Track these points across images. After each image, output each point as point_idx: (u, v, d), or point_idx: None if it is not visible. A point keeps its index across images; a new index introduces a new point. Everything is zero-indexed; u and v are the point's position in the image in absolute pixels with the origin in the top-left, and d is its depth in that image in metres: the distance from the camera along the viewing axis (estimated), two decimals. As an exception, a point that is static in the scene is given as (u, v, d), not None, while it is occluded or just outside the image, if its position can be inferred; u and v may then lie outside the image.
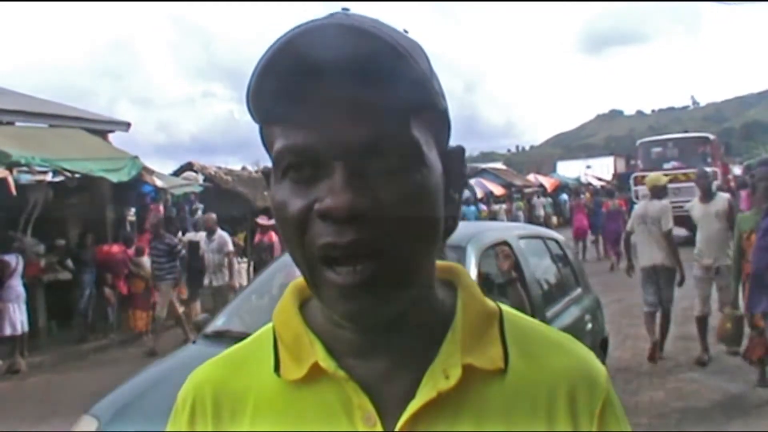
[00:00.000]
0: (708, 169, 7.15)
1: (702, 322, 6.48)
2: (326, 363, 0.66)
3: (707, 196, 6.62)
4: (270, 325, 0.73)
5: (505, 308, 0.73)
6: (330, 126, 0.59)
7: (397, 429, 0.63)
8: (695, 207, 6.70)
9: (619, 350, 7.04)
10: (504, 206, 23.44)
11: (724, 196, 6.79)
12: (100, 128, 11.63)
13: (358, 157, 0.59)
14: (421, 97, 0.62)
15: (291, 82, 0.59)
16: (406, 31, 0.65)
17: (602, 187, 24.90)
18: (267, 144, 0.66)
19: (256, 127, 0.67)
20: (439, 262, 0.71)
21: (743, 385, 5.16)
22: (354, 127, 0.59)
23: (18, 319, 8.18)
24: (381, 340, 0.66)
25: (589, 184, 30.63)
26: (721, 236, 6.37)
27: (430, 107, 0.64)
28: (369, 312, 0.60)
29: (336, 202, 0.57)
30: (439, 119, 0.66)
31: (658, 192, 6.76)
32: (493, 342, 0.68)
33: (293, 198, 0.61)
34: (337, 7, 0.65)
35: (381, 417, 0.64)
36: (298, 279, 0.72)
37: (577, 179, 32.92)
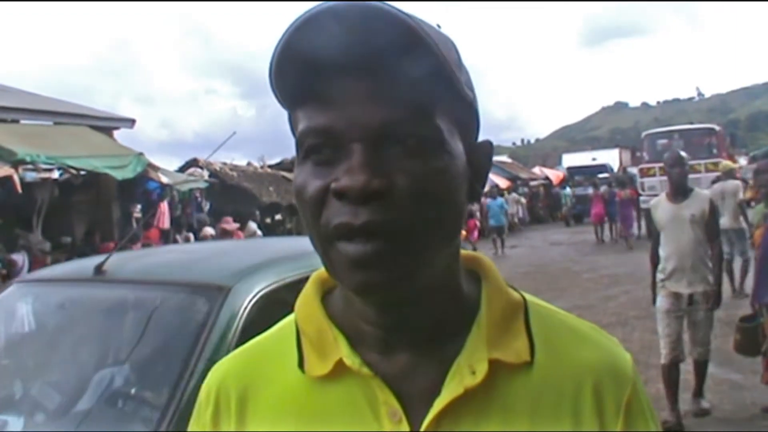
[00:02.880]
0: (684, 154, 4.89)
1: (670, 372, 4.67)
2: (351, 360, 0.65)
3: (680, 192, 4.66)
4: (292, 317, 0.72)
5: (530, 298, 0.72)
6: (350, 108, 0.59)
7: (423, 426, 0.62)
8: (660, 206, 4.73)
9: (627, 342, 7.03)
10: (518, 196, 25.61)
11: (703, 195, 4.80)
12: (105, 125, 11.64)
13: (377, 140, 0.59)
14: (444, 84, 0.61)
15: (310, 66, 0.59)
16: (438, 26, 0.64)
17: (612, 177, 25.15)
18: (293, 129, 0.65)
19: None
20: (463, 252, 0.70)
21: (752, 377, 5.13)
22: (373, 110, 0.58)
23: (25, 316, 8.20)
24: (404, 333, 0.65)
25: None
26: (697, 250, 4.54)
27: (456, 97, 0.63)
28: (381, 285, 0.59)
29: (352, 181, 0.57)
30: (465, 111, 0.65)
31: (730, 174, 9.26)
32: (518, 334, 0.67)
33: (312, 179, 0.61)
34: None
35: (406, 413, 0.63)
36: (321, 269, 0.71)
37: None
